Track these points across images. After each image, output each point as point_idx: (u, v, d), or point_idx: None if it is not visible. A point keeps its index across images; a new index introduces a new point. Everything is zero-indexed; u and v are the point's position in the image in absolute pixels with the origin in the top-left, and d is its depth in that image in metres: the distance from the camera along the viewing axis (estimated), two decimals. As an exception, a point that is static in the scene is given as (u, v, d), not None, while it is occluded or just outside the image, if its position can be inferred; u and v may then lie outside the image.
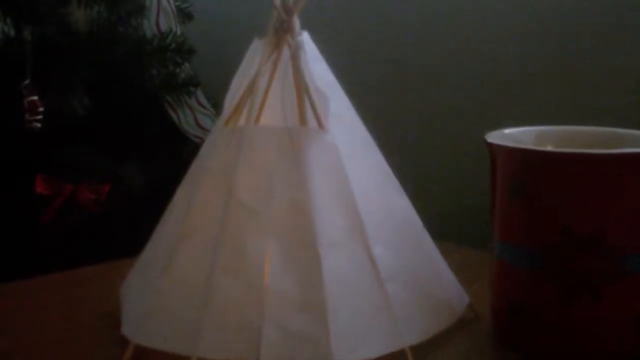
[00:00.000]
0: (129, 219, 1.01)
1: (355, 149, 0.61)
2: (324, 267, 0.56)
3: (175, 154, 1.14)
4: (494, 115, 0.95)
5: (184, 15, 1.26)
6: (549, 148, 0.63)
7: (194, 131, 1.18)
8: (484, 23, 0.98)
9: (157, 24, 1.18)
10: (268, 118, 0.62)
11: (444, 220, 0.97)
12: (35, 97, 0.98)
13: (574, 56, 0.90)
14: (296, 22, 0.62)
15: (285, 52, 0.62)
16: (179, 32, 1.19)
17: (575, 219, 0.56)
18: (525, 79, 0.94)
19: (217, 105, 1.20)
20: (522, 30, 0.94)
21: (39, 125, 0.98)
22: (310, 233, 0.57)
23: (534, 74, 0.94)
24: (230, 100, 0.62)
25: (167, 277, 0.59)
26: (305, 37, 0.62)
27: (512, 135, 0.64)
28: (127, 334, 0.60)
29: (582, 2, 0.88)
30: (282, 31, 0.62)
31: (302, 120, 0.60)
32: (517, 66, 0.95)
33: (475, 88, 0.99)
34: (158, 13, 1.18)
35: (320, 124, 0.59)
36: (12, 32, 1.09)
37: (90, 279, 0.78)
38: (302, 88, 0.60)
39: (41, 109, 0.98)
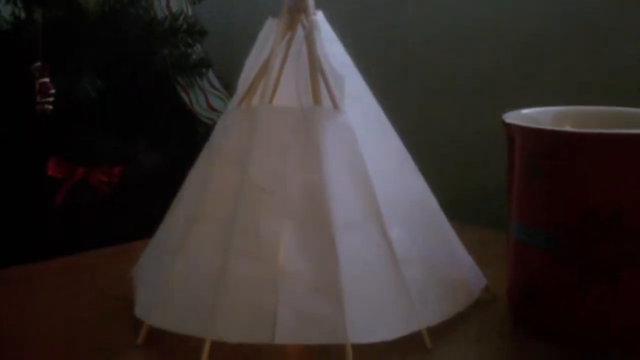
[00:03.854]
0: (141, 201, 1.01)
1: (370, 130, 0.60)
2: (339, 249, 0.55)
3: (187, 136, 1.13)
4: (511, 95, 0.94)
5: (195, -4, 1.25)
6: (568, 128, 0.62)
7: (205, 113, 1.17)
8: (499, 4, 0.97)
9: (168, 5, 1.17)
10: (282, 98, 0.61)
11: (460, 201, 0.97)
12: (47, 79, 0.98)
13: (592, 35, 0.89)
14: (310, 1, 0.61)
15: (300, 32, 0.61)
16: (190, 13, 1.18)
17: (595, 201, 0.55)
18: (542, 58, 0.93)
19: (228, 87, 1.20)
20: (541, 8, 0.93)
21: (50, 107, 0.97)
22: (325, 215, 0.56)
23: (551, 53, 0.92)
24: (243, 81, 0.61)
25: (180, 260, 0.58)
26: (320, 17, 0.61)
27: (529, 116, 0.63)
28: (140, 315, 0.59)
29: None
30: (296, 10, 0.61)
31: (317, 100, 0.59)
32: (534, 45, 0.94)
33: (492, 68, 0.98)
34: (169, -6, 1.17)
35: (334, 105, 0.59)
36: (23, 15, 1.08)
37: (103, 261, 0.78)
38: (316, 68, 0.59)
39: (52, 91, 0.97)
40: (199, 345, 0.54)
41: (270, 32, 0.61)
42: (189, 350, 0.55)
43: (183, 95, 1.17)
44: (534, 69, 0.94)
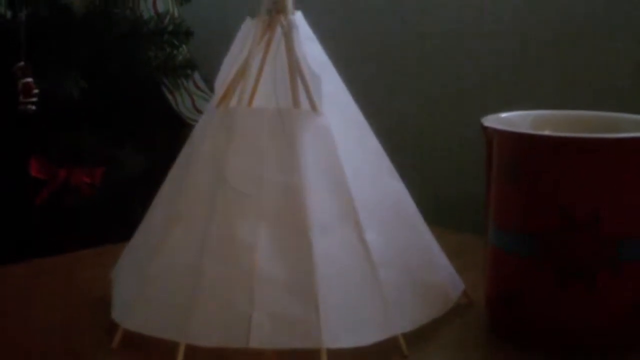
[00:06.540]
0: (124, 203, 1.00)
1: (348, 132, 0.60)
2: (315, 252, 0.55)
3: (172, 138, 1.12)
4: (491, 100, 0.94)
5: (181, -4, 1.24)
6: (545, 132, 0.62)
7: (191, 114, 1.16)
8: (481, 7, 0.97)
9: (154, 5, 1.16)
10: (260, 100, 0.61)
11: (440, 206, 0.97)
12: (30, 79, 0.97)
13: (571, 40, 0.89)
14: (289, 2, 0.60)
15: (278, 32, 0.60)
16: (176, 14, 1.17)
17: (572, 204, 0.55)
18: (522, 63, 0.93)
19: (214, 89, 1.19)
20: (519, 14, 0.93)
21: (33, 107, 0.96)
22: (301, 217, 0.56)
23: (531, 58, 0.92)
24: (221, 82, 0.61)
25: (156, 262, 0.58)
26: (299, 17, 0.61)
27: (508, 119, 0.63)
28: (116, 319, 0.59)
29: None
30: (275, 11, 0.60)
31: (295, 102, 0.59)
32: (514, 51, 0.94)
33: (472, 73, 0.98)
34: (155, -6, 1.17)
35: (313, 106, 0.58)
36: (8, 14, 1.08)
37: (82, 263, 0.77)
38: (294, 69, 0.59)
39: (35, 91, 0.97)
40: (173, 348, 0.54)
41: (248, 32, 0.61)
42: (164, 354, 0.55)
43: (169, 96, 1.16)
44: (519, 75, 0.94)
